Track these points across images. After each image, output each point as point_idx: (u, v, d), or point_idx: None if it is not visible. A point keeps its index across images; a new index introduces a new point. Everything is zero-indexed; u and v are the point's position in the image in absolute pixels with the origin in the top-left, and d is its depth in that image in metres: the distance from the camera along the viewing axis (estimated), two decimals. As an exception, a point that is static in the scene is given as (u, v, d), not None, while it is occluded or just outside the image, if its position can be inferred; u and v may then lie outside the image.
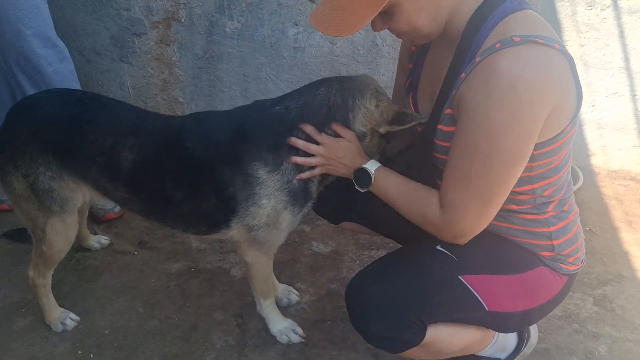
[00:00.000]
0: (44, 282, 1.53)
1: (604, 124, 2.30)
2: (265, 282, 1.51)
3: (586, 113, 2.28)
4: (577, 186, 2.13)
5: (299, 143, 1.23)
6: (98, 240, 1.92)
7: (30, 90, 1.98)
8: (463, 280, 1.12)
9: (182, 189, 1.33)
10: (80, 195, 1.41)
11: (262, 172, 1.27)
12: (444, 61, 1.12)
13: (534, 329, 1.48)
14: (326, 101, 1.25)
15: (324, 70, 2.29)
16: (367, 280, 1.16)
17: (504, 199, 1.07)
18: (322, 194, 1.39)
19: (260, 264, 1.46)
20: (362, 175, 1.22)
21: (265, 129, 1.28)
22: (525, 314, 1.18)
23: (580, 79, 1.05)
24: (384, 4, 0.99)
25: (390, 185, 1.19)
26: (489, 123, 0.97)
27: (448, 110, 1.08)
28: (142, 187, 1.37)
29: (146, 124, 1.37)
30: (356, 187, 1.24)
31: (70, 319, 1.58)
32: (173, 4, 2.22)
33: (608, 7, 2.09)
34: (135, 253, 1.91)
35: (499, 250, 1.15)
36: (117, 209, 2.09)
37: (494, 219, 1.10)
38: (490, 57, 0.97)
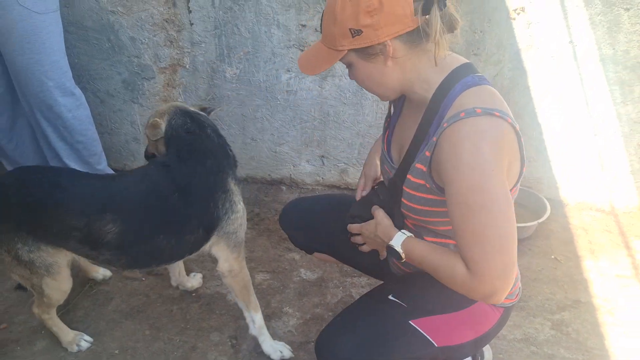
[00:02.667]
0: (49, 317, 1.74)
1: (572, 158, 2.49)
2: (251, 290, 1.75)
3: (557, 147, 2.47)
4: (544, 217, 2.33)
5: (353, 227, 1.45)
6: (103, 273, 2.12)
7: (52, 134, 2.23)
8: (413, 324, 1.29)
9: (174, 235, 1.54)
10: (63, 256, 1.56)
11: (232, 184, 1.61)
12: (414, 118, 1.29)
13: (487, 351, 1.68)
14: None
15: (313, 111, 2.51)
16: (334, 333, 1.33)
17: (516, 241, 1.13)
18: (297, 227, 1.64)
19: (244, 269, 1.72)
20: (392, 250, 1.31)
21: (221, 153, 1.63)
22: (471, 343, 1.37)
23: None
24: (337, 60, 1.21)
25: (418, 256, 1.26)
26: (473, 181, 1.10)
27: (419, 165, 1.22)
28: (131, 248, 1.52)
29: (118, 193, 1.51)
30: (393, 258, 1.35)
31: (85, 341, 1.81)
32: (179, 52, 2.47)
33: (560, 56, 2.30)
34: (143, 279, 2.13)
35: (442, 292, 1.28)
36: None
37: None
38: (456, 124, 1.11)
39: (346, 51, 1.19)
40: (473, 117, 1.11)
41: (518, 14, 2.15)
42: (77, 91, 2.23)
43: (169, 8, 2.36)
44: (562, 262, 2.24)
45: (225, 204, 1.59)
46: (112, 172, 2.47)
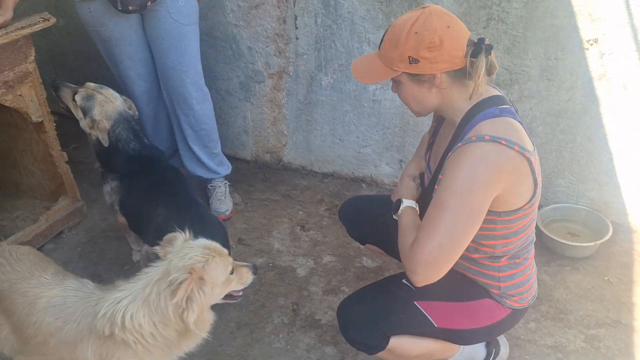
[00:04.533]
0: None
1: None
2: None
3: (627, 173, 2.50)
4: (603, 239, 2.40)
5: None
6: None
7: (183, 121, 2.75)
8: (417, 304, 1.56)
9: None
10: None
11: None
12: (447, 137, 1.56)
13: (505, 346, 1.88)
14: None
15: (395, 119, 2.81)
16: (350, 302, 1.65)
17: (460, 250, 1.37)
18: (353, 219, 1.95)
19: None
20: (397, 204, 1.61)
21: None
22: (472, 331, 1.61)
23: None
24: (390, 77, 1.43)
25: (405, 218, 1.54)
26: (456, 185, 1.33)
27: (441, 176, 1.49)
28: None
29: None
30: (392, 211, 1.64)
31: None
32: (285, 61, 2.90)
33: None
34: (234, 247, 2.61)
35: (452, 283, 1.52)
36: (228, 212, 2.84)
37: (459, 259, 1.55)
38: (466, 145, 1.35)
39: (400, 72, 1.41)
40: (480, 142, 1.34)
41: (591, 44, 2.26)
42: (205, 88, 2.75)
43: (280, 24, 2.80)
44: (614, 284, 2.31)
45: None
46: (224, 157, 2.99)
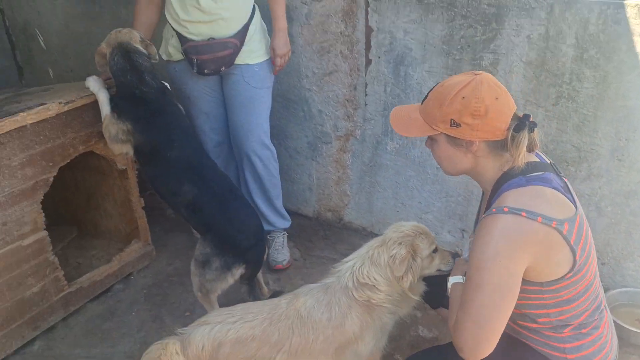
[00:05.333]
0: None
1: None
2: None
3: None
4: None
5: None
6: None
7: (248, 175, 2.90)
8: None
9: None
10: None
11: None
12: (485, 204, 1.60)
13: None
14: None
15: (458, 187, 2.82)
16: None
17: (498, 325, 1.35)
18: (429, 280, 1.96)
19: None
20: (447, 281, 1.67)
21: None
22: None
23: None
24: (427, 134, 1.47)
25: (452, 295, 1.56)
26: (479, 261, 1.34)
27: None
28: None
29: None
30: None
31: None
32: (352, 125, 3.02)
33: None
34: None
35: (517, 354, 1.48)
36: (285, 262, 2.91)
37: (517, 333, 1.49)
38: (488, 217, 1.36)
39: (439, 132, 1.43)
40: (500, 214, 1.33)
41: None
42: (271, 147, 2.90)
43: (350, 91, 2.93)
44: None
45: None
46: (284, 211, 3.10)
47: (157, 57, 2.50)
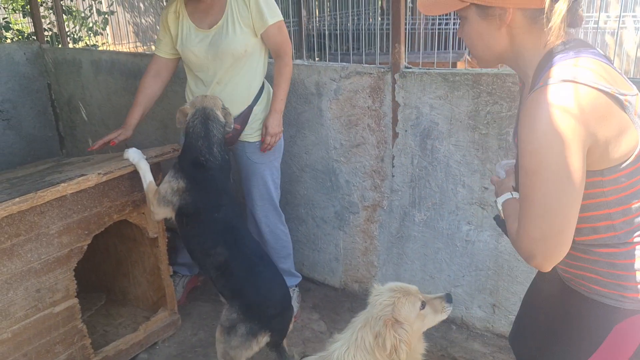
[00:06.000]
0: None
1: None
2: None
3: None
4: None
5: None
6: None
7: (256, 236, 2.92)
8: None
9: None
10: None
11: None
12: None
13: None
14: None
15: (488, 261, 2.78)
16: None
17: (570, 215, 1.15)
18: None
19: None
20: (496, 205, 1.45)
21: None
22: None
23: None
24: (457, 8, 1.25)
25: (506, 212, 1.36)
26: (530, 143, 1.14)
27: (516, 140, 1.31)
28: None
29: None
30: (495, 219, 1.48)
31: None
32: (380, 196, 3.04)
33: None
34: None
35: (570, 343, 1.32)
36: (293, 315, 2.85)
37: (575, 260, 1.28)
38: (534, 93, 1.16)
39: (469, 3, 1.23)
40: (549, 85, 1.14)
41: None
42: (279, 216, 2.97)
43: (378, 162, 2.99)
44: None
45: None
46: (294, 270, 3.10)
47: (232, 126, 2.58)
